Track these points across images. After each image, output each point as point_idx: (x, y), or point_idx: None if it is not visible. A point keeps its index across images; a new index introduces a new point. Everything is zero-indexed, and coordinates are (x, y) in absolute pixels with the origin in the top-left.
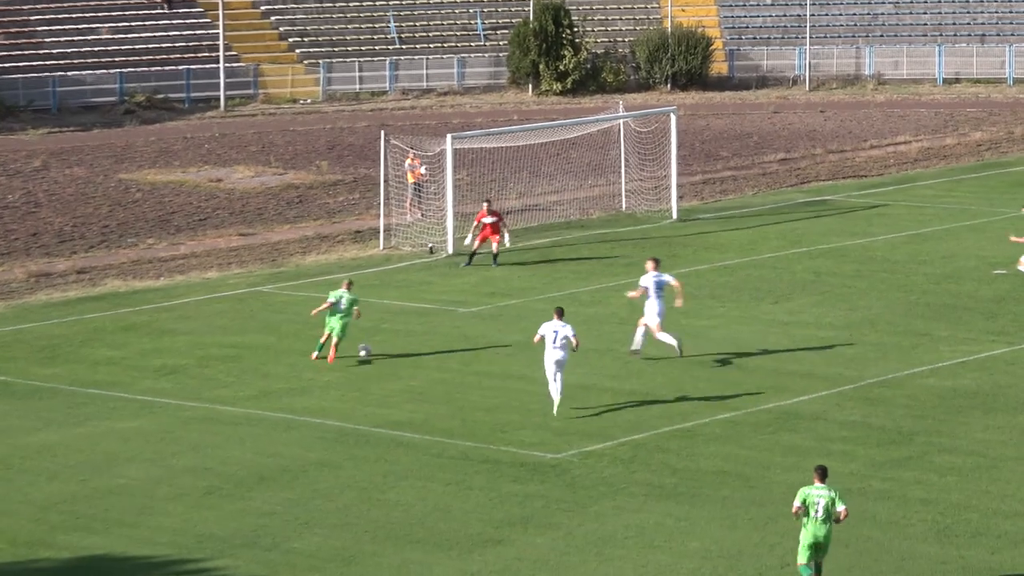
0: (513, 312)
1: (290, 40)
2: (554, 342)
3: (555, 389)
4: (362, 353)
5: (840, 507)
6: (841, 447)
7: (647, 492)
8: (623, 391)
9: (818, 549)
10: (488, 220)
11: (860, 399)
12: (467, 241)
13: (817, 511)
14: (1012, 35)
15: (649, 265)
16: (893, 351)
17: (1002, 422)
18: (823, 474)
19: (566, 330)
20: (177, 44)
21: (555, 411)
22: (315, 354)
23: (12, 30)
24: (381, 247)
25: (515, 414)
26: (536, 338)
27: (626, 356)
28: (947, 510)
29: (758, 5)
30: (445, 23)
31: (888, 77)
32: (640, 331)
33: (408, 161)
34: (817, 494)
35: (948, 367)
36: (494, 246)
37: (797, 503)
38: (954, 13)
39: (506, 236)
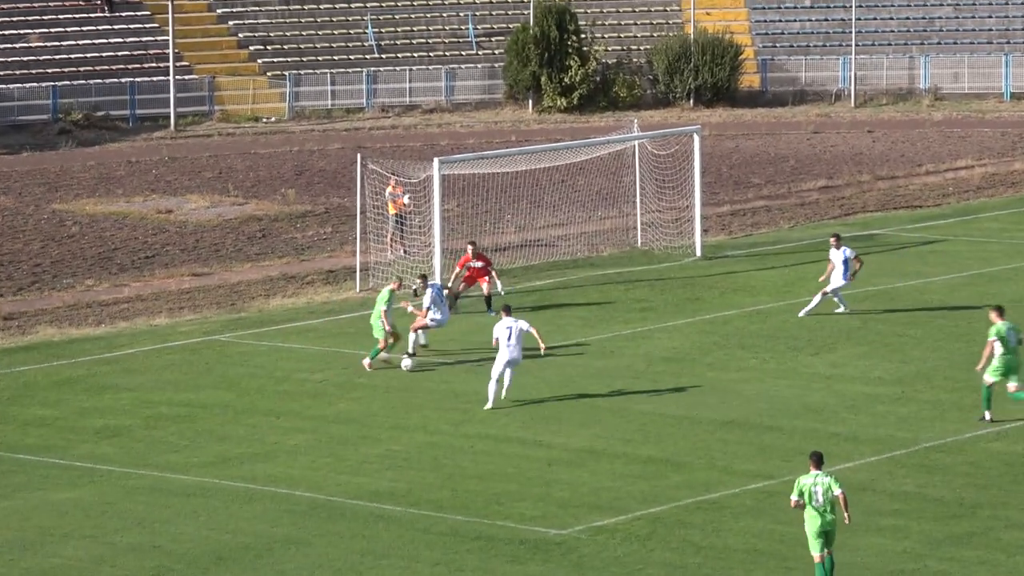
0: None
1: (251, 49)
2: (508, 339)
3: (493, 388)
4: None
5: (837, 491)
6: (893, 521)
7: (667, 574)
8: (639, 456)
9: (828, 538)
10: (475, 265)
11: (914, 466)
12: (448, 285)
13: (817, 499)
14: None
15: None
16: (952, 410)
17: None
18: (818, 461)
19: (520, 324)
20: (120, 53)
21: (489, 406)
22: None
23: None
24: (357, 289)
25: (513, 483)
26: (493, 342)
27: (643, 415)
28: None
29: (795, 8)
30: (431, 29)
31: (946, 91)
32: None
33: (389, 189)
34: (814, 483)
35: (1017, 428)
36: (484, 287)
37: (795, 496)
38: (1023, 17)
39: (498, 283)
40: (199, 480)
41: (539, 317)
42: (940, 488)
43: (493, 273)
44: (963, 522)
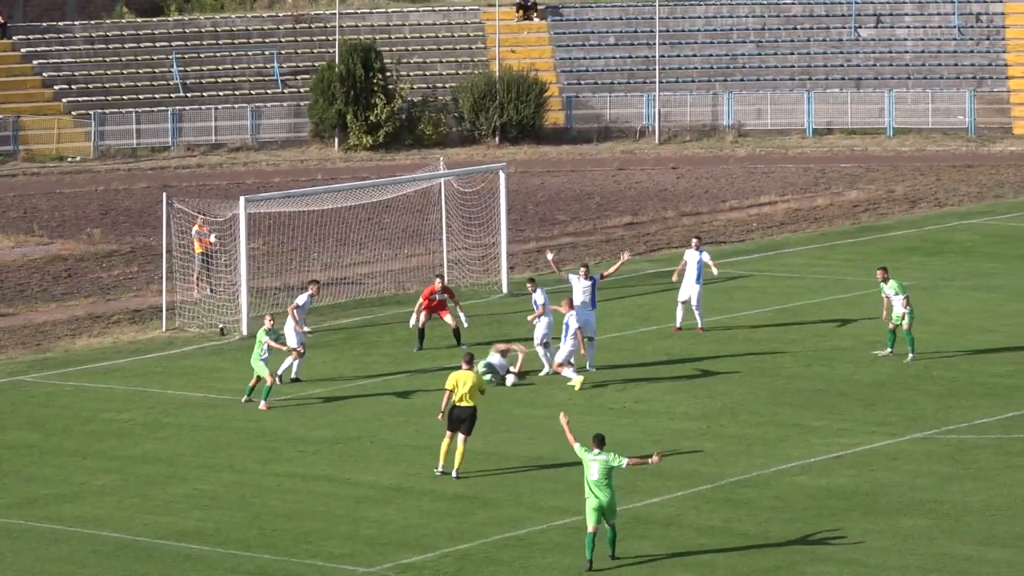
0: (317, 403)
1: (56, 88)
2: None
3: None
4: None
5: (624, 462)
6: (699, 556)
7: None
8: (446, 493)
9: (602, 511)
10: (438, 297)
11: (720, 500)
12: (412, 322)
13: (592, 475)
14: (891, 79)
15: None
16: (757, 445)
17: (883, 526)
18: (600, 442)
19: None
20: None
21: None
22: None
23: None
24: (164, 328)
25: (321, 521)
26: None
27: (450, 453)
28: None
29: (599, 45)
30: (236, 67)
31: (750, 128)
32: None
33: (195, 228)
34: (593, 458)
35: (821, 463)
36: (448, 319)
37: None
38: (825, 54)
39: (462, 316)
40: (5, 522)
41: (346, 355)
42: (746, 522)
43: (458, 307)
44: (769, 556)
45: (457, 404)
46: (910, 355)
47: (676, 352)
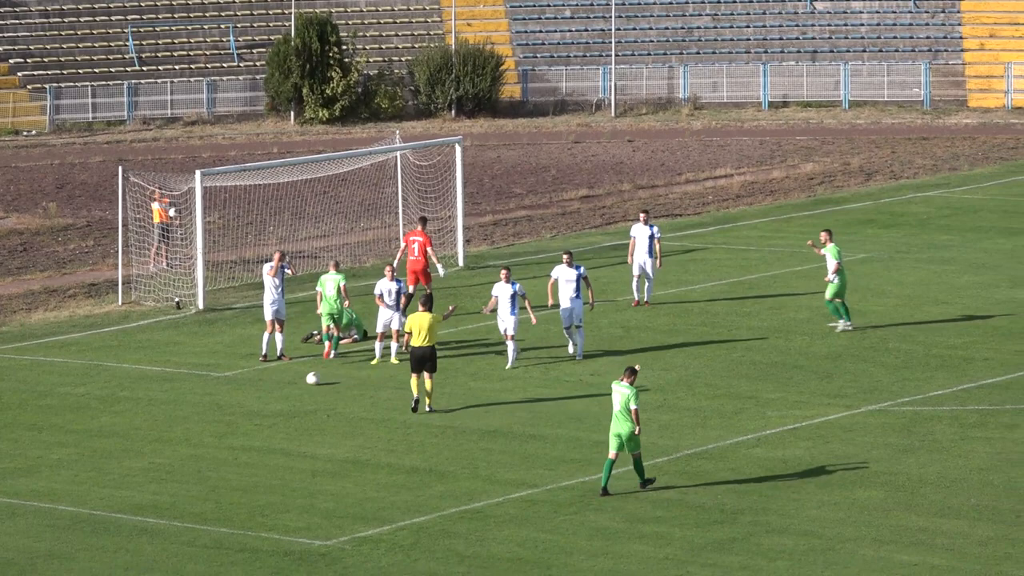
0: (273, 377)
1: (11, 61)
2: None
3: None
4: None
5: (633, 405)
6: (655, 528)
7: None
8: (402, 467)
9: (621, 440)
10: (417, 240)
11: (676, 473)
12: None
13: (616, 405)
14: (847, 51)
15: None
16: (713, 417)
17: (839, 497)
18: (630, 374)
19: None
20: None
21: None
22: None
23: None
24: (120, 302)
25: (277, 495)
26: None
27: (406, 426)
28: None
29: (556, 19)
30: (192, 41)
31: (706, 101)
32: None
33: (155, 198)
34: (616, 388)
35: (777, 435)
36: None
37: None
38: (781, 27)
39: (439, 267)
40: None
41: (302, 329)
42: (702, 495)
43: (434, 258)
44: (724, 528)
45: (417, 345)
46: (841, 323)
47: (632, 325)
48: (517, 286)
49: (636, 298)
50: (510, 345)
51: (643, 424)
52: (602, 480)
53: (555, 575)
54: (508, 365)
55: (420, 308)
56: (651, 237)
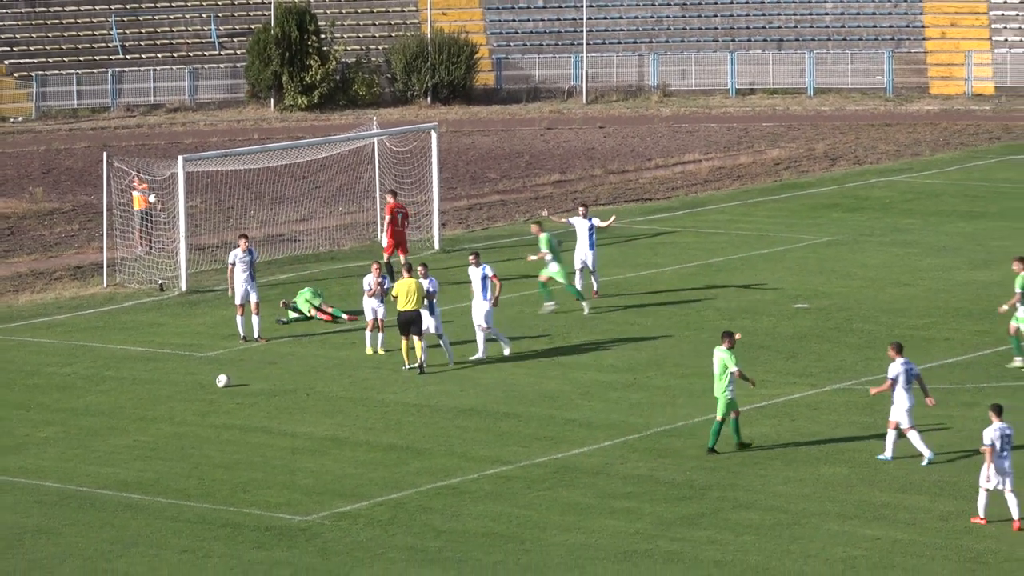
0: (255, 357)
1: None
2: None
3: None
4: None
5: (732, 368)
6: (625, 504)
7: (408, 557)
8: (379, 444)
9: (719, 403)
10: (401, 211)
11: (646, 450)
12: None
13: (714, 367)
14: (812, 40)
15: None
16: (682, 396)
17: (804, 474)
18: (729, 339)
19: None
20: None
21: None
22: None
23: None
24: (104, 284)
25: (258, 471)
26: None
27: (384, 404)
28: (744, 573)
29: (528, 8)
30: (175, 30)
31: (674, 88)
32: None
33: (135, 185)
34: (716, 354)
35: (744, 413)
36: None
37: None
38: (747, 16)
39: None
40: None
41: (281, 310)
42: (671, 471)
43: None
44: (693, 503)
45: (404, 309)
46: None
47: (603, 306)
48: (485, 268)
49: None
50: (480, 336)
51: (614, 403)
52: (709, 440)
53: (528, 549)
54: (478, 355)
55: (405, 275)
56: (590, 229)
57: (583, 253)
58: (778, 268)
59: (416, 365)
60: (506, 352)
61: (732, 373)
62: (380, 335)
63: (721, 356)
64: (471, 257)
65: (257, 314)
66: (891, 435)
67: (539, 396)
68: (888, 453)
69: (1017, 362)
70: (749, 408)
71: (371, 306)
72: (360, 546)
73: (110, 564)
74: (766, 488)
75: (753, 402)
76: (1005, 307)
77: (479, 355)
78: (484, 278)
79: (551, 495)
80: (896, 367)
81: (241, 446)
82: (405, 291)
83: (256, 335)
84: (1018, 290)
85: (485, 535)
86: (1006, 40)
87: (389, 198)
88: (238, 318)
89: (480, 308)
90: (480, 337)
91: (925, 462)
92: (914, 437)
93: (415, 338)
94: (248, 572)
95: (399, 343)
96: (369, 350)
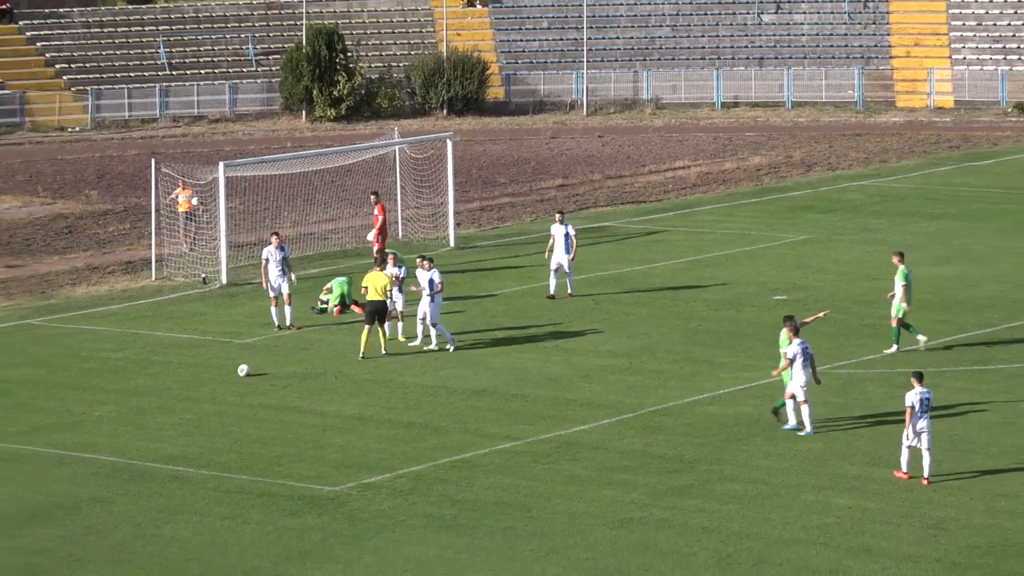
0: (288, 343)
1: (57, 67)
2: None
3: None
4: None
5: (782, 349)
6: (622, 476)
7: (426, 524)
8: (400, 422)
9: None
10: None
11: (641, 427)
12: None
13: (781, 348)
14: (790, 58)
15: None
16: (673, 379)
17: (783, 449)
18: (790, 324)
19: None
20: None
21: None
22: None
23: None
24: (153, 278)
25: (291, 447)
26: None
27: (404, 386)
28: (729, 538)
29: (534, 29)
30: (216, 48)
31: (666, 101)
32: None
33: (178, 190)
34: (782, 337)
35: (729, 394)
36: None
37: None
38: (732, 36)
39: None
40: (14, 447)
41: (312, 301)
42: (663, 446)
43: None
44: (683, 476)
45: (371, 300)
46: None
47: (602, 298)
48: (436, 273)
49: (551, 292)
50: (432, 332)
51: (612, 385)
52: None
53: (535, 516)
54: (431, 346)
55: (376, 268)
56: (567, 236)
57: (559, 257)
58: (759, 264)
59: (378, 352)
60: (450, 348)
61: (783, 353)
62: (400, 324)
63: (783, 339)
64: (425, 262)
65: (289, 304)
66: (790, 404)
67: (544, 379)
68: (793, 421)
69: (921, 339)
70: (734, 389)
71: (393, 297)
72: (383, 514)
73: (158, 530)
74: (749, 462)
75: (738, 384)
76: (891, 296)
77: (432, 345)
78: (432, 282)
79: (555, 468)
80: (794, 347)
81: (276, 424)
82: (374, 284)
83: (288, 323)
84: (899, 283)
85: (496, 504)
86: (964, 58)
87: (374, 198)
88: (272, 309)
89: (426, 306)
90: (433, 333)
91: (803, 433)
92: (804, 411)
93: (378, 326)
94: (282, 537)
95: (397, 333)
96: (402, 337)
